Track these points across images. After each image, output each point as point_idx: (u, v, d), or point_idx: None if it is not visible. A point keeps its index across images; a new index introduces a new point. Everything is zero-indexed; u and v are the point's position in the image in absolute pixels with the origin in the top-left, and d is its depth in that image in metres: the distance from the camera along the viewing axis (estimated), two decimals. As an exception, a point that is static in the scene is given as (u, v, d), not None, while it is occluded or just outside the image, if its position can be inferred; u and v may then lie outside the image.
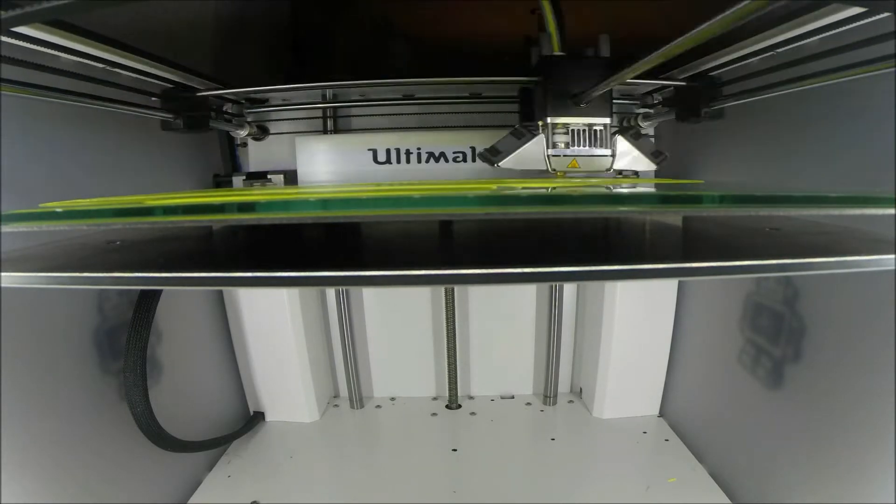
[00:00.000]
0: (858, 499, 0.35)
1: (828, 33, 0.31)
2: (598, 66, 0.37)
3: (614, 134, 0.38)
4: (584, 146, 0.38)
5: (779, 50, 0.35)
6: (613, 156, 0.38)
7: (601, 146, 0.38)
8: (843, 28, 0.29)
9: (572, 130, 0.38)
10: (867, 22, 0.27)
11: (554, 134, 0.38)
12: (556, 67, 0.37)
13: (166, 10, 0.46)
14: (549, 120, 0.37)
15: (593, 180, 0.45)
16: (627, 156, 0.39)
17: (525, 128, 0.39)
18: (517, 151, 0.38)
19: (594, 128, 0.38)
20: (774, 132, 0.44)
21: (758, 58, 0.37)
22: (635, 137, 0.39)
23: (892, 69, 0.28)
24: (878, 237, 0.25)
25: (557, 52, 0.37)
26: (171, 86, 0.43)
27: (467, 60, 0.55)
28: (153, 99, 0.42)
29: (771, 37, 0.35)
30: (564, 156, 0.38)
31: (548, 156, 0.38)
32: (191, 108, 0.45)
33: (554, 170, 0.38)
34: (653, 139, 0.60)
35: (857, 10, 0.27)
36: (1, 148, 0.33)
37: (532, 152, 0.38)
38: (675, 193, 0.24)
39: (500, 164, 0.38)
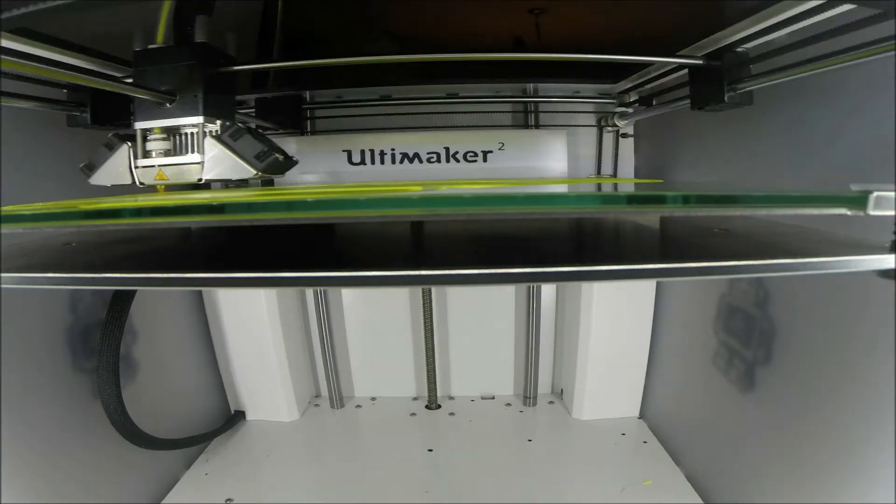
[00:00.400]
0: (831, 499, 0.34)
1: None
2: (188, 56, 0.31)
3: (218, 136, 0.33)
4: (176, 153, 0.33)
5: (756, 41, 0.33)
6: (203, 162, 0.33)
7: (194, 151, 0.33)
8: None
9: (169, 136, 0.33)
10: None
11: (148, 141, 0.33)
12: (145, 62, 0.31)
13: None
14: (136, 126, 0.33)
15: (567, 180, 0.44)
16: (216, 161, 0.33)
17: (118, 136, 0.34)
18: (105, 164, 0.34)
19: (184, 131, 0.33)
20: (752, 129, 0.43)
21: (786, 30, 0.30)
22: (234, 137, 0.33)
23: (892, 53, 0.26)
24: (834, 238, 0.25)
25: (157, 44, 0.32)
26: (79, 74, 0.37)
27: (448, 61, 0.55)
28: (63, 91, 0.37)
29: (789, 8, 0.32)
30: (150, 166, 0.33)
31: (134, 167, 0.34)
32: (104, 100, 0.38)
33: (142, 183, 0.34)
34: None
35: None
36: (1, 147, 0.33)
37: (119, 164, 0.34)
38: (641, 194, 0.24)
39: (91, 181, 0.34)
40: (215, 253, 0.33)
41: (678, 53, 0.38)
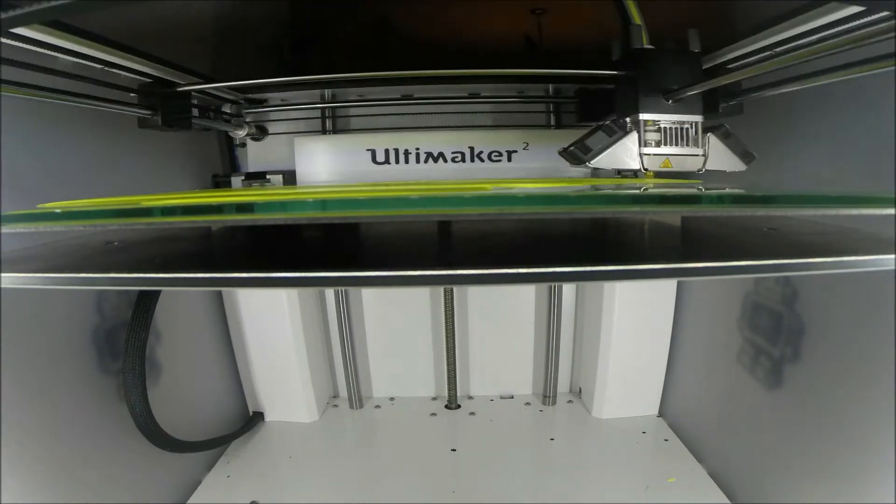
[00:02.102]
0: (858, 499, 0.35)
1: (829, 31, 0.30)
2: (690, 62, 0.35)
3: (706, 132, 0.36)
4: (675, 145, 0.36)
5: (777, 49, 0.35)
6: (706, 155, 0.36)
7: (692, 145, 0.36)
8: (845, 26, 0.29)
9: (662, 128, 0.36)
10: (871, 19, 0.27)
11: (645, 132, 0.36)
12: (648, 61, 0.35)
13: (161, 9, 0.45)
14: (641, 116, 0.35)
15: (603, 181, 0.45)
16: (718, 155, 0.36)
17: (615, 124, 0.37)
18: (611, 149, 0.36)
19: (684, 126, 0.36)
20: (773, 131, 0.44)
21: (780, 48, 0.35)
22: (725, 136, 0.36)
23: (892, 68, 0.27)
24: (876, 237, 0.25)
25: (647, 45, 0.35)
26: (147, 80, 0.40)
27: (467, 60, 0.55)
28: (131, 95, 0.40)
29: (770, 35, 0.35)
30: (657, 154, 0.35)
31: (641, 154, 0.36)
32: (170, 104, 0.41)
33: (646, 169, 0.36)
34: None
35: (856, 8, 0.27)
36: (0, 148, 0.33)
37: (624, 150, 0.36)
38: (674, 193, 0.24)
39: (590, 162, 0.36)
40: (241, 253, 0.32)
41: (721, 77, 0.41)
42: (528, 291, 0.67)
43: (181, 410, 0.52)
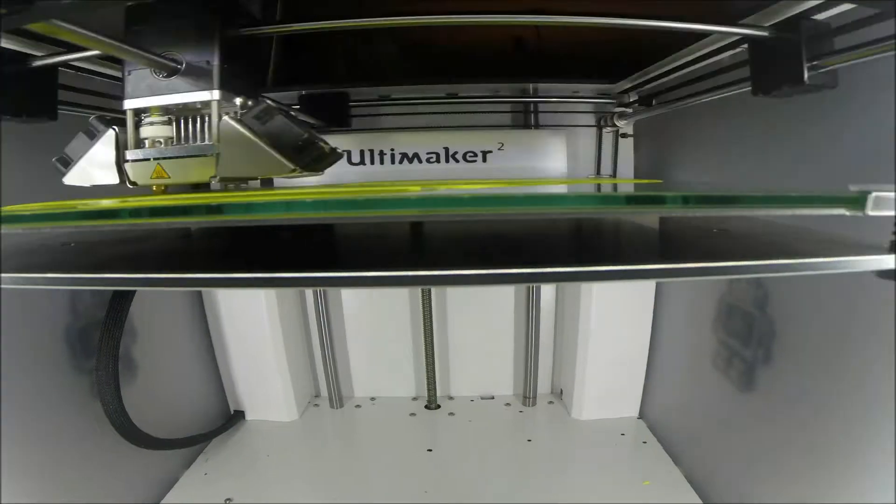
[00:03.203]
0: (831, 499, 0.34)
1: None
2: (198, 10, 0.23)
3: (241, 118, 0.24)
4: (179, 142, 0.25)
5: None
6: (218, 154, 0.24)
7: (203, 139, 0.24)
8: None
9: (174, 119, 0.24)
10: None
11: (142, 126, 0.24)
12: (139, 19, 0.23)
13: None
14: (126, 104, 0.24)
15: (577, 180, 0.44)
16: (241, 153, 0.23)
17: (103, 120, 0.25)
18: (84, 158, 0.25)
19: (192, 112, 0.24)
20: (752, 129, 0.43)
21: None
22: (261, 120, 0.24)
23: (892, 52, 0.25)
24: (832, 238, 0.25)
25: None
26: None
27: (447, 60, 0.55)
28: None
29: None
30: (141, 160, 0.25)
31: (123, 161, 0.25)
32: (19, 85, 0.28)
33: (133, 183, 0.26)
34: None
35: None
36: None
37: (99, 158, 0.25)
38: (640, 194, 0.24)
39: (65, 180, 0.26)
40: (215, 253, 0.32)
41: (740, 23, 0.30)
42: (508, 292, 0.67)
43: (161, 409, 0.53)
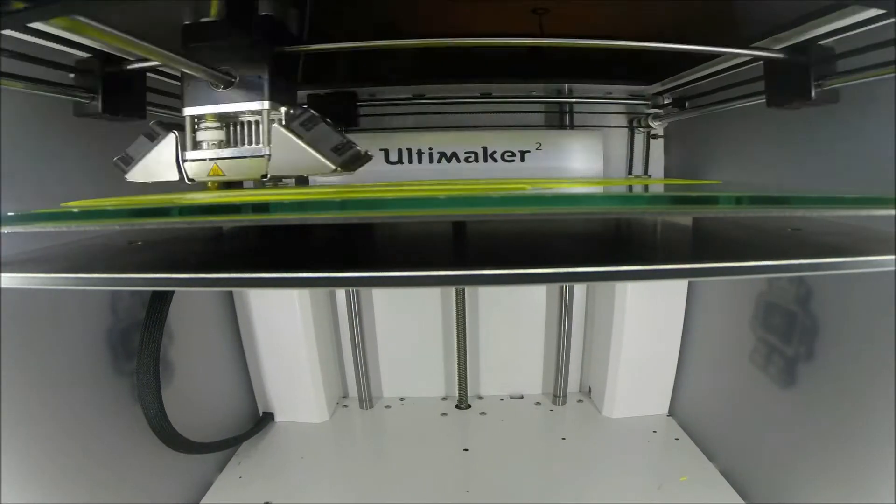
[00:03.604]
0: (871, 499, 0.35)
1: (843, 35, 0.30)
2: (252, 30, 0.26)
3: (288, 124, 0.28)
4: (233, 145, 0.28)
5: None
6: (269, 155, 0.28)
7: (256, 142, 0.28)
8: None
9: (221, 124, 0.28)
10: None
11: (197, 130, 0.28)
12: (197, 37, 0.26)
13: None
14: (186, 112, 0.28)
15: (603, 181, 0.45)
16: (288, 154, 0.27)
17: (161, 125, 0.29)
18: (147, 157, 0.29)
19: (244, 118, 0.28)
20: (784, 134, 0.44)
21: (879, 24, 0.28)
22: (307, 127, 0.27)
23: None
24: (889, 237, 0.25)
25: (212, 18, 0.26)
26: (87, 55, 0.31)
27: (478, 61, 0.55)
28: (70, 76, 0.31)
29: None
30: (199, 160, 0.28)
31: (182, 161, 0.28)
32: (115, 87, 0.32)
33: (191, 180, 0.29)
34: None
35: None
36: (0, 148, 0.32)
37: (160, 158, 0.29)
38: (690, 194, 0.25)
39: (127, 177, 0.29)
40: (250, 252, 0.32)
41: (753, 46, 0.35)
42: (539, 291, 0.67)
43: (192, 411, 0.52)
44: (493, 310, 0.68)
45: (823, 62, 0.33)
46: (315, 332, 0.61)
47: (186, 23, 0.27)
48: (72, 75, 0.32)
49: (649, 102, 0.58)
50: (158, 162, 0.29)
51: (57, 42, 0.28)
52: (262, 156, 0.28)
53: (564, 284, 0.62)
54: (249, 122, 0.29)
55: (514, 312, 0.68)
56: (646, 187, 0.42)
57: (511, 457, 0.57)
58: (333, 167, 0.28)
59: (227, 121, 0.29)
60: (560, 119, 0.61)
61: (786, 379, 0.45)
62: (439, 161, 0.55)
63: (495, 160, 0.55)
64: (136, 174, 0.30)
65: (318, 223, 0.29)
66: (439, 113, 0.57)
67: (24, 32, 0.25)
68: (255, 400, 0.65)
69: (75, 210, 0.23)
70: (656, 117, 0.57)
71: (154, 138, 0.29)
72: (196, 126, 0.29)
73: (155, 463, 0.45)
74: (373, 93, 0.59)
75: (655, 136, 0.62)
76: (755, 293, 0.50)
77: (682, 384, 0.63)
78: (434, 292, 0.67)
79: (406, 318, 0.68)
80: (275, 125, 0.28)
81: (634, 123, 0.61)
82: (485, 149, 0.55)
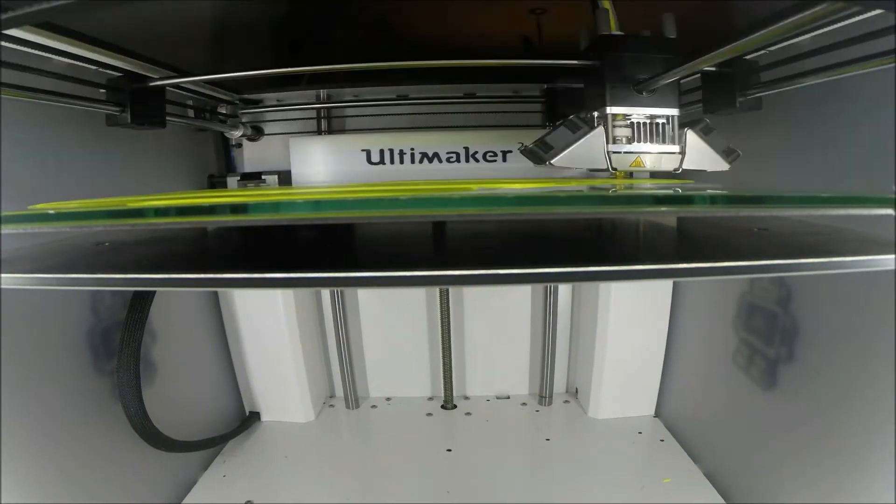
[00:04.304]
0: (854, 499, 0.35)
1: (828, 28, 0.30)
2: (664, 49, 0.32)
3: (682, 127, 0.33)
4: (648, 142, 0.32)
5: (772, 48, 0.35)
6: (683, 153, 0.32)
7: (667, 141, 0.32)
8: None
9: (633, 123, 0.32)
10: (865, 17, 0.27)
11: (614, 127, 0.32)
12: (617, 48, 0.32)
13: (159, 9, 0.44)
14: (608, 110, 0.32)
15: (596, 181, 0.45)
16: (697, 153, 0.33)
17: (581, 119, 0.33)
18: (573, 147, 0.32)
19: (657, 120, 0.32)
20: (770, 132, 0.43)
21: (809, 36, 0.31)
22: (705, 132, 0.33)
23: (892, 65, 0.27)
24: (870, 237, 0.25)
25: (615, 31, 0.31)
26: (117, 74, 0.37)
27: (464, 60, 0.55)
28: (101, 91, 0.37)
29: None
30: (626, 152, 0.32)
31: (608, 152, 0.32)
32: (141, 100, 0.38)
33: (614, 168, 0.33)
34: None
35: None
36: (0, 148, 0.33)
37: (589, 148, 0.32)
38: (667, 194, 0.24)
39: (552, 161, 0.33)
40: (235, 253, 0.32)
41: (691, 63, 0.39)
42: (525, 291, 0.67)
43: (177, 410, 0.52)
44: (478, 310, 0.68)
45: (747, 74, 0.37)
46: (300, 332, 0.62)
47: (602, 33, 0.32)
48: (102, 91, 0.37)
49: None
50: (590, 150, 0.33)
51: (86, 62, 0.33)
52: (676, 153, 0.33)
53: (549, 285, 0.62)
54: (660, 124, 0.33)
55: (500, 313, 0.68)
56: (614, 187, 0.42)
57: (494, 457, 0.57)
58: (727, 166, 0.33)
59: (635, 120, 0.33)
60: (543, 119, 0.60)
61: (767, 380, 0.45)
62: (421, 161, 0.54)
63: (477, 160, 0.55)
64: (564, 160, 0.33)
65: (302, 224, 0.30)
66: (423, 113, 0.57)
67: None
68: (241, 399, 0.65)
69: (51, 212, 0.23)
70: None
71: (575, 130, 0.33)
72: (614, 123, 0.32)
73: (137, 462, 0.45)
74: (357, 93, 0.59)
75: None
76: (737, 294, 0.49)
77: (668, 385, 0.63)
78: (419, 292, 0.67)
79: (392, 318, 0.69)
80: (688, 129, 0.33)
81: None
82: (467, 149, 0.54)
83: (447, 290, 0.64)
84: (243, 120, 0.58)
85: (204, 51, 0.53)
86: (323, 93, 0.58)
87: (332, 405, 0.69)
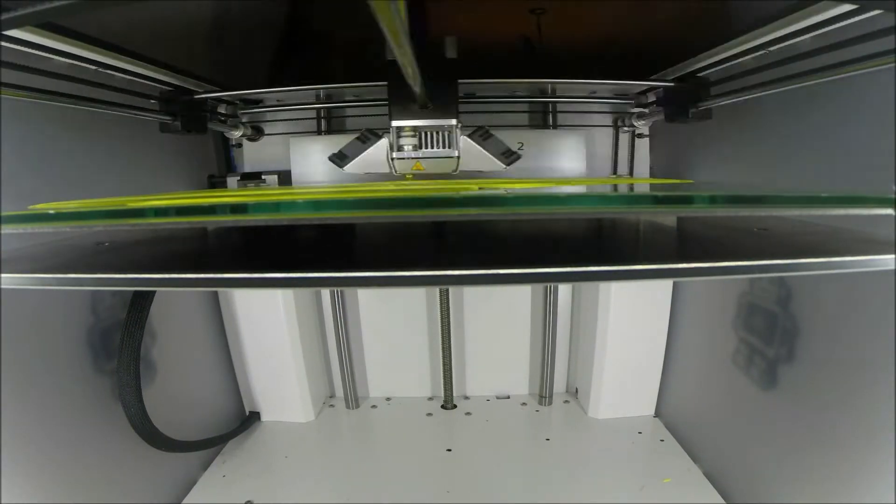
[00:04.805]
0: (853, 499, 0.35)
1: (821, 31, 0.30)
2: (447, 72, 0.38)
3: (464, 135, 0.39)
4: (429, 148, 0.38)
5: (772, 48, 0.35)
6: (459, 156, 0.39)
7: (447, 147, 0.38)
8: (836, 25, 0.29)
9: (421, 133, 0.38)
10: (861, 19, 0.27)
11: (399, 137, 0.38)
12: (398, 71, 0.35)
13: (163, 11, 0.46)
14: (393, 123, 0.38)
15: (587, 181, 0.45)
16: (473, 156, 0.40)
17: (371, 132, 0.41)
18: (361, 155, 0.40)
19: (440, 130, 0.38)
20: (770, 131, 0.43)
21: (751, 56, 0.37)
22: (483, 138, 0.41)
23: (891, 65, 0.27)
24: (868, 237, 0.25)
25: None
26: (169, 88, 0.44)
27: (464, 60, 0.55)
28: (151, 102, 0.43)
29: (762, 35, 0.34)
30: (407, 158, 0.39)
31: (392, 159, 0.39)
32: (189, 111, 0.45)
33: (398, 172, 0.39)
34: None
35: (848, 6, 0.27)
36: (0, 148, 0.33)
37: (376, 156, 0.40)
38: (667, 194, 0.24)
39: (345, 168, 0.40)
40: (235, 253, 0.32)
41: (651, 77, 0.47)
42: (525, 292, 0.67)
43: (177, 410, 0.52)
44: (478, 310, 0.68)
45: (698, 88, 0.44)
46: (300, 332, 0.62)
47: (389, 58, 0.35)
48: (152, 101, 0.43)
49: (633, 101, 0.57)
50: (375, 158, 0.40)
51: (140, 77, 0.39)
52: (453, 156, 0.39)
53: (549, 285, 0.62)
54: (442, 133, 0.39)
55: (500, 313, 0.68)
56: (614, 187, 0.42)
57: (494, 457, 0.57)
58: (503, 167, 0.41)
59: (419, 131, 0.39)
60: (543, 119, 0.60)
61: (767, 380, 0.45)
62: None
63: (477, 160, 0.55)
64: (354, 167, 0.41)
65: (302, 224, 0.30)
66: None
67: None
68: (241, 399, 0.65)
69: (52, 212, 0.23)
70: (640, 116, 0.57)
71: (365, 142, 0.40)
72: (400, 133, 0.38)
73: (137, 462, 0.45)
74: (357, 93, 0.59)
75: (641, 136, 0.61)
76: (737, 294, 0.49)
77: (668, 385, 0.63)
78: (419, 292, 0.67)
79: (392, 317, 0.69)
80: (463, 136, 0.39)
81: (619, 123, 0.60)
82: (467, 149, 0.54)
83: (447, 290, 0.64)
84: (243, 120, 0.58)
85: (205, 53, 0.53)
86: (323, 93, 0.58)
87: (332, 405, 0.69)
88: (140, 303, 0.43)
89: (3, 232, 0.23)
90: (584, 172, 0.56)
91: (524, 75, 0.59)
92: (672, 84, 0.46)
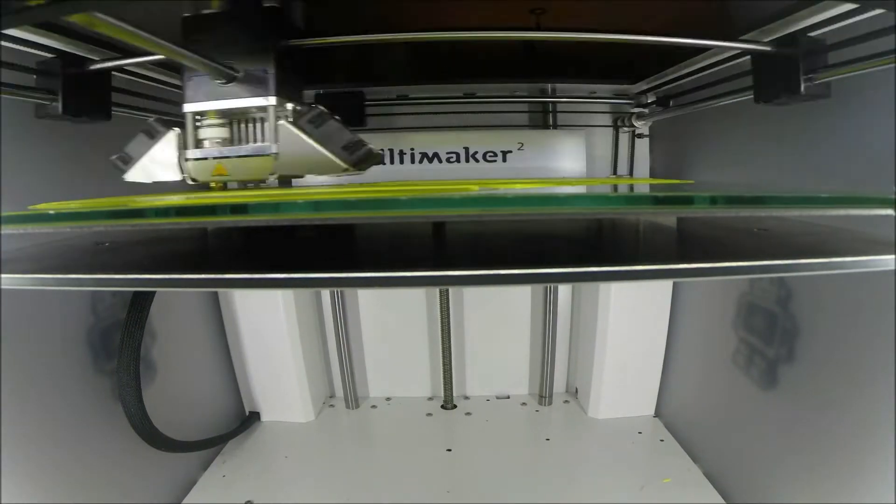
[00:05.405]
0: (853, 499, 0.35)
1: (821, 31, 0.30)
2: (256, 22, 0.25)
3: (296, 121, 0.26)
4: (238, 142, 0.26)
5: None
6: (276, 153, 0.26)
7: (261, 140, 0.26)
8: (836, 25, 0.29)
9: (222, 121, 0.26)
10: (860, 19, 0.27)
11: (198, 128, 0.26)
12: (197, 30, 0.25)
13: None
14: (186, 108, 0.26)
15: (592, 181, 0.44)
16: (297, 153, 0.26)
17: (160, 122, 0.27)
18: (146, 156, 0.27)
19: (249, 115, 0.26)
20: (770, 131, 0.43)
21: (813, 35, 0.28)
22: (316, 124, 0.25)
23: (891, 65, 0.27)
24: (869, 237, 0.25)
25: (212, 10, 0.25)
26: (51, 55, 0.29)
27: (464, 61, 0.55)
28: (34, 77, 0.30)
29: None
30: (202, 159, 0.26)
31: (185, 160, 0.26)
32: (77, 87, 0.30)
33: (194, 180, 0.27)
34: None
35: (848, 6, 0.27)
36: (0, 147, 0.32)
37: (161, 157, 0.27)
38: (667, 195, 0.24)
39: (127, 177, 0.28)
40: (235, 253, 0.32)
41: (740, 38, 0.33)
42: (525, 292, 0.67)
43: (177, 410, 0.52)
44: (479, 310, 0.68)
45: (813, 54, 0.30)
46: (300, 332, 0.62)
47: (186, 15, 0.25)
48: (34, 76, 0.30)
49: (633, 101, 0.58)
50: (157, 161, 0.27)
51: (19, 44, 0.27)
52: (268, 154, 0.26)
53: (549, 285, 0.62)
54: (253, 119, 0.26)
55: (500, 313, 0.68)
56: (614, 187, 0.42)
57: (494, 457, 0.57)
58: (345, 166, 0.26)
59: (231, 118, 0.26)
60: (543, 119, 0.61)
61: (767, 380, 0.45)
62: (421, 161, 0.55)
63: (477, 160, 0.55)
64: (135, 174, 0.28)
65: (302, 224, 0.30)
66: (422, 114, 0.57)
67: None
68: (241, 399, 0.65)
69: (52, 212, 0.23)
70: (640, 116, 0.57)
71: (154, 136, 0.27)
72: (198, 123, 0.26)
73: (137, 462, 0.45)
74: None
75: (640, 136, 0.61)
76: (737, 294, 0.49)
77: (668, 385, 0.63)
78: (419, 292, 0.67)
79: (392, 318, 0.69)
80: (282, 122, 0.26)
81: (619, 123, 0.60)
82: (466, 149, 0.55)
83: (447, 290, 0.64)
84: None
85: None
86: (321, 92, 0.58)
87: (332, 405, 0.69)
88: (140, 303, 0.43)
89: (2, 232, 0.23)
90: (584, 172, 0.56)
91: (524, 75, 0.59)
92: (770, 48, 0.31)
